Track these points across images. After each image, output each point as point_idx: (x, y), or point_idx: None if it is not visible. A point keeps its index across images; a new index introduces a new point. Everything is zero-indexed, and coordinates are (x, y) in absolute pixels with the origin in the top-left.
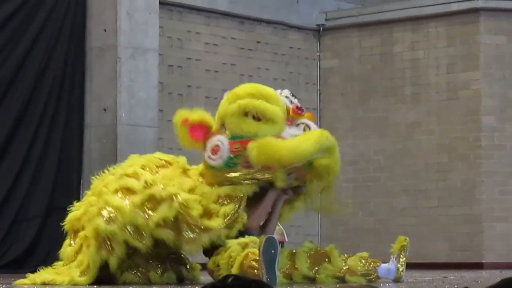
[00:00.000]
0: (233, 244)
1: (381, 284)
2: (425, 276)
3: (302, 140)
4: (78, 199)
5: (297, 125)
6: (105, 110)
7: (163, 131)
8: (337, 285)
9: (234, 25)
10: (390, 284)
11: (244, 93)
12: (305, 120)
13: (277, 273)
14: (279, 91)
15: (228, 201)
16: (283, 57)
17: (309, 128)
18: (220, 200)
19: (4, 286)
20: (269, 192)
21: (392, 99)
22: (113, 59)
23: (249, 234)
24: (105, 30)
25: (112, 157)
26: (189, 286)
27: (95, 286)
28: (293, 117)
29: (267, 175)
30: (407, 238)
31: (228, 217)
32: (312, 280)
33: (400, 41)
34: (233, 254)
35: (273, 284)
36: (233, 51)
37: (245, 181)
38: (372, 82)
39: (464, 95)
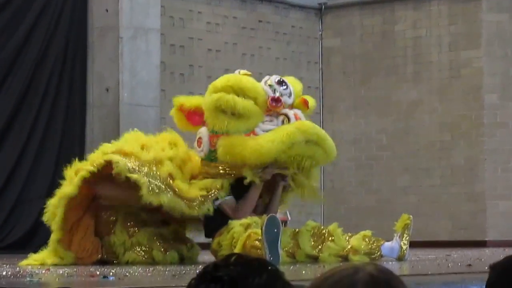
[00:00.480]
0: (236, 225)
1: (384, 263)
2: (428, 254)
3: (267, 139)
4: None
5: (278, 116)
6: (107, 90)
7: (165, 111)
8: (340, 264)
9: (236, 4)
10: (393, 263)
11: (221, 86)
12: (286, 111)
13: (280, 251)
14: (266, 77)
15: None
16: (284, 36)
17: (288, 121)
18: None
19: (8, 266)
20: (253, 186)
21: (394, 78)
22: (115, 39)
23: None
24: (106, 10)
25: (114, 137)
26: (192, 266)
27: (98, 266)
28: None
29: (238, 171)
30: (411, 216)
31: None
32: (315, 259)
33: (402, 19)
34: (236, 235)
35: (276, 262)
36: (234, 30)
37: (223, 175)
38: (374, 60)
39: (466, 73)
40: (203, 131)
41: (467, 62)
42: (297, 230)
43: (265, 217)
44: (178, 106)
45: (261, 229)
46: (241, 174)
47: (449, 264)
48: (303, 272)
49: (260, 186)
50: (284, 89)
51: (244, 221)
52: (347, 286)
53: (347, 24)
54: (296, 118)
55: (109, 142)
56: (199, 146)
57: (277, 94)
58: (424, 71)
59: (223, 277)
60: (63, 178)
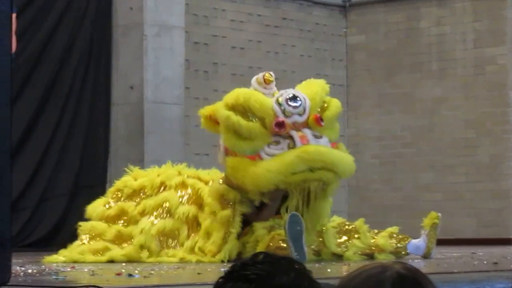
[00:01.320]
0: (258, 228)
1: (410, 260)
2: (454, 252)
3: (265, 168)
4: (105, 177)
5: (285, 138)
6: (131, 88)
7: (189, 109)
8: (367, 263)
9: (260, 1)
10: (418, 261)
11: (231, 104)
12: (293, 134)
13: (305, 248)
14: (280, 92)
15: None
16: (308, 33)
17: (294, 144)
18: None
19: (33, 264)
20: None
21: (419, 75)
22: (139, 37)
23: None
24: (131, 8)
25: (139, 135)
26: (218, 263)
27: (124, 264)
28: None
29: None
30: (439, 214)
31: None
32: (341, 256)
33: (426, 16)
34: (260, 238)
35: (302, 259)
36: (258, 28)
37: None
38: (398, 57)
39: (491, 70)
40: (221, 140)
41: (491, 59)
42: (323, 227)
43: (286, 216)
44: (206, 116)
45: (284, 228)
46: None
47: (475, 262)
48: (329, 270)
49: (277, 198)
50: (295, 108)
51: (267, 223)
52: (375, 284)
53: (372, 21)
54: (303, 141)
55: (133, 140)
56: (219, 151)
57: (284, 115)
58: (449, 68)
59: (251, 276)
60: (87, 175)
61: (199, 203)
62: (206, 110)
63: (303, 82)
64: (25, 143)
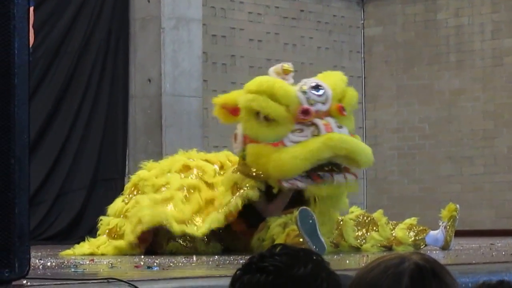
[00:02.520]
0: (274, 226)
1: (428, 252)
2: (472, 243)
3: (290, 155)
4: (123, 170)
5: (309, 125)
6: (149, 81)
7: (208, 101)
8: (385, 254)
9: None
10: (437, 252)
11: (255, 89)
12: (317, 121)
13: (323, 239)
14: (303, 81)
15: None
16: (326, 25)
17: (318, 132)
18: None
19: (52, 257)
20: (281, 192)
21: (437, 66)
22: (157, 29)
23: None
24: (148, 1)
25: (157, 128)
26: (236, 256)
27: (142, 256)
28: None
29: (266, 177)
30: (458, 206)
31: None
32: (359, 249)
33: (444, 7)
34: (275, 236)
35: (322, 251)
36: (276, 20)
37: (254, 176)
38: (416, 49)
39: (509, 61)
40: (239, 128)
41: (510, 50)
42: (341, 218)
43: (296, 213)
44: (220, 105)
45: (297, 225)
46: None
47: (493, 253)
48: (347, 261)
49: (290, 192)
50: (319, 96)
51: (281, 220)
52: (393, 275)
53: (389, 13)
54: (327, 129)
55: (151, 133)
56: (235, 141)
57: (308, 104)
58: (467, 59)
59: (269, 268)
60: (106, 168)
61: (204, 181)
62: (220, 99)
63: (320, 74)
64: (43, 137)
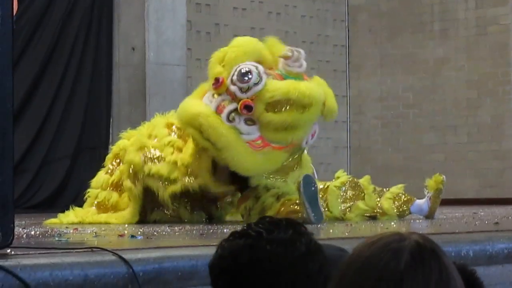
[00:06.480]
0: (266, 196)
1: (412, 221)
2: (455, 212)
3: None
4: (107, 139)
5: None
6: (133, 49)
7: (192, 70)
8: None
9: None
10: (421, 221)
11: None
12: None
13: (321, 208)
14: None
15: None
16: None
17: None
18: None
19: (36, 226)
20: None
21: (421, 35)
22: None
23: None
24: None
25: (141, 97)
26: (220, 225)
27: (126, 225)
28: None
29: None
30: (444, 178)
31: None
32: (342, 218)
33: None
34: (267, 206)
35: (320, 219)
36: None
37: None
38: (400, 18)
39: (493, 31)
40: None
41: (494, 19)
42: (326, 185)
43: (299, 179)
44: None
45: (299, 191)
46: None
47: (476, 222)
48: (331, 231)
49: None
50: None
51: (274, 191)
52: (393, 252)
53: None
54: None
55: (135, 102)
56: None
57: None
58: (451, 28)
59: (250, 233)
60: (90, 137)
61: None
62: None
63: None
64: (27, 106)
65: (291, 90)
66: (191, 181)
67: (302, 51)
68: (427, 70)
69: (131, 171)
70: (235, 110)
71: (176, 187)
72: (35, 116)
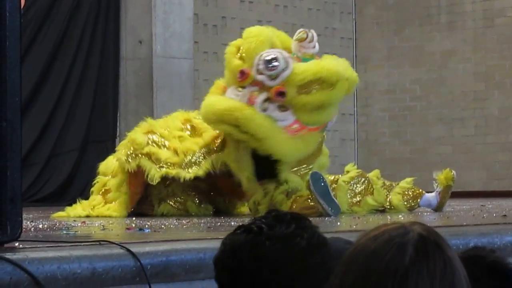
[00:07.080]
0: (276, 193)
1: (419, 213)
2: (463, 205)
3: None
4: (114, 132)
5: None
6: (140, 42)
7: (199, 63)
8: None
9: None
10: (429, 214)
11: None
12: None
13: (336, 200)
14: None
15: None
16: None
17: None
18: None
19: (43, 219)
20: None
21: (428, 28)
22: None
23: None
24: None
25: (148, 90)
26: (228, 218)
27: (134, 218)
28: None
29: None
30: (454, 174)
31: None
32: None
33: None
34: (278, 204)
35: (337, 211)
36: None
37: None
38: (407, 10)
39: (500, 23)
40: None
41: (501, 11)
42: (336, 178)
43: (307, 177)
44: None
45: (309, 189)
46: None
47: (484, 215)
48: (338, 224)
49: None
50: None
51: (283, 188)
52: (397, 245)
53: None
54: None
55: (142, 95)
56: None
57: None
58: (458, 20)
59: (253, 228)
60: (97, 130)
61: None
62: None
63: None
64: (35, 99)
65: (319, 70)
66: (202, 168)
67: (314, 32)
68: (434, 62)
69: (131, 147)
70: (267, 99)
71: (198, 171)
72: (42, 109)
